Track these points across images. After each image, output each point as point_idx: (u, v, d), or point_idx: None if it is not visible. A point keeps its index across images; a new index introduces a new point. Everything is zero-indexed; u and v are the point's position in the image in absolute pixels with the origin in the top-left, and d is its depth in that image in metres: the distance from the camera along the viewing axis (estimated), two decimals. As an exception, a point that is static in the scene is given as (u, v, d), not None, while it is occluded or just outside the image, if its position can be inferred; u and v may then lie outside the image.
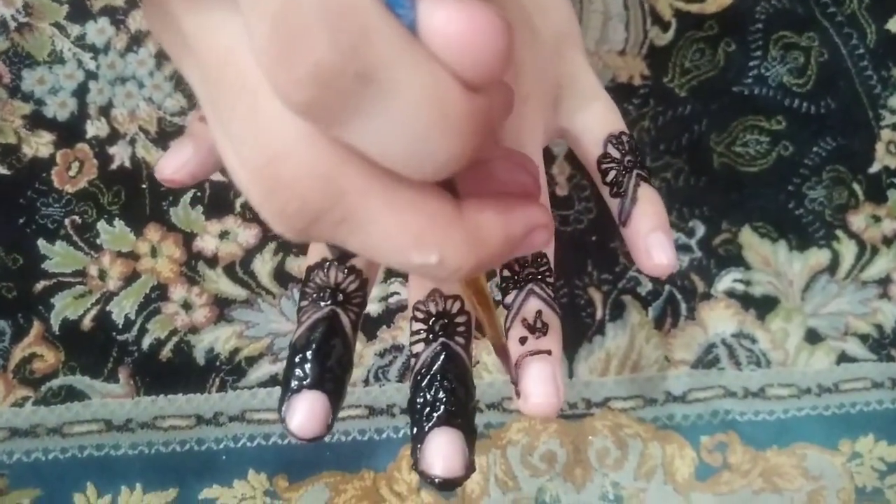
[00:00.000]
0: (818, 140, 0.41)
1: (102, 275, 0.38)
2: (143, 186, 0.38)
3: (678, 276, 0.40)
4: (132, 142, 0.38)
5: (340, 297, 0.22)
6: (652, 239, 0.24)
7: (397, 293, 0.39)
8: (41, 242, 0.38)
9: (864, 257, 0.41)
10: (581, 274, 0.40)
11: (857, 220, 0.41)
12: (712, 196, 0.41)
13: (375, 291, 0.39)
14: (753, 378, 0.40)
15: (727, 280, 0.40)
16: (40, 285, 0.38)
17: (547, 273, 0.24)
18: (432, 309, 0.21)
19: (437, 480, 0.19)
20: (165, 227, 0.38)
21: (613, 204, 0.26)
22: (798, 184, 0.41)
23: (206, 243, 0.38)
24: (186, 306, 0.38)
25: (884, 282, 0.41)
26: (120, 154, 0.38)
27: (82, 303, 0.38)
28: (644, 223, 0.25)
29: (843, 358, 0.40)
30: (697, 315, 0.40)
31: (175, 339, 0.38)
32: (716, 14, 0.41)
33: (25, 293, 0.38)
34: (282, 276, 0.38)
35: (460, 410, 0.20)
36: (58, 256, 0.38)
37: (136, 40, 0.39)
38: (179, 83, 0.39)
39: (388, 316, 0.38)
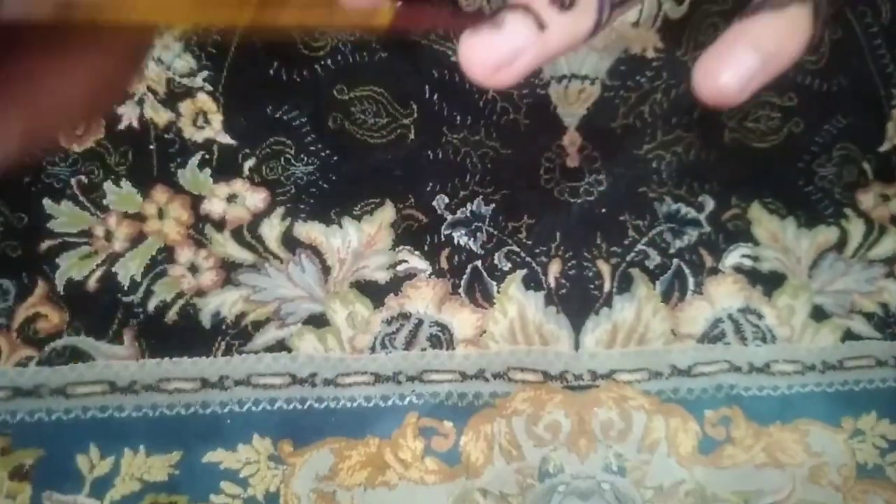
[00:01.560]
0: (829, 118, 0.41)
1: (108, 235, 0.38)
2: (151, 147, 0.38)
3: (686, 250, 0.40)
4: (140, 102, 0.38)
5: None
6: (736, 52, 0.22)
7: (405, 261, 0.38)
8: (47, 202, 0.37)
9: (872, 236, 0.41)
10: (590, 246, 0.40)
11: (866, 199, 0.41)
12: (722, 171, 0.40)
13: (383, 259, 0.38)
14: (759, 353, 0.40)
15: (735, 255, 0.40)
16: (45, 245, 0.37)
17: None
18: None
19: None
20: (173, 189, 0.38)
21: None
22: (808, 161, 0.41)
23: (214, 206, 0.38)
24: (193, 269, 0.38)
25: (891, 261, 0.41)
26: (128, 114, 0.38)
27: (87, 263, 0.37)
28: (745, 34, 0.22)
29: (849, 335, 0.41)
30: (705, 290, 0.40)
31: (181, 301, 0.37)
32: (731, -12, 0.41)
33: (30, 252, 0.37)
34: (290, 242, 0.38)
35: None
36: (63, 216, 0.37)
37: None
38: (189, 44, 0.38)
39: (396, 283, 0.38)
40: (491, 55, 0.19)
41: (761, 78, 0.20)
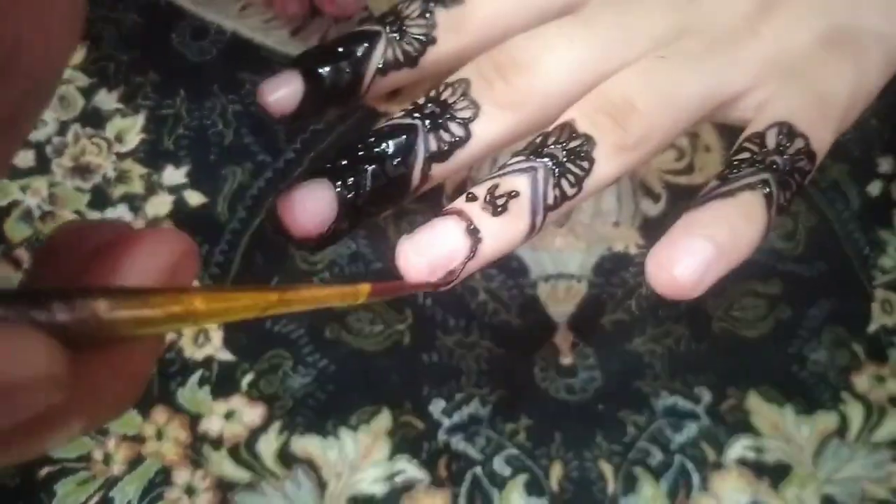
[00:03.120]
0: (814, 302, 0.42)
1: (107, 459, 0.38)
2: (153, 369, 0.39)
3: (687, 445, 0.40)
4: (144, 323, 0.39)
5: None
6: (687, 242, 0.20)
7: (403, 471, 0.38)
8: (48, 427, 0.38)
9: (873, 419, 0.41)
10: (590, 445, 0.39)
11: (861, 381, 0.41)
12: (715, 361, 0.41)
13: (380, 470, 0.38)
14: (774, 553, 0.38)
15: (738, 448, 0.40)
16: (44, 471, 0.37)
17: (580, 156, 0.21)
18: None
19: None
20: (172, 408, 0.38)
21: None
22: (799, 346, 0.42)
23: (212, 424, 0.38)
24: (190, 491, 0.37)
25: (895, 444, 0.41)
26: (131, 336, 0.39)
27: (85, 489, 0.37)
28: (695, 223, 0.20)
29: (864, 527, 0.39)
30: (710, 486, 0.39)
31: (177, 526, 0.37)
32: (704, 184, 0.43)
33: (29, 480, 0.37)
34: (286, 457, 0.38)
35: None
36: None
37: (153, 225, 0.41)
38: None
39: (394, 496, 0.38)
40: (423, 258, 0.20)
41: (718, 268, 0.21)
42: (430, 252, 0.20)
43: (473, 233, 0.20)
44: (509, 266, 0.41)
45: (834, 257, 0.43)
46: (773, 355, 0.41)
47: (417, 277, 0.20)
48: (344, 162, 0.21)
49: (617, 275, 0.42)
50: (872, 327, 0.42)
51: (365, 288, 0.19)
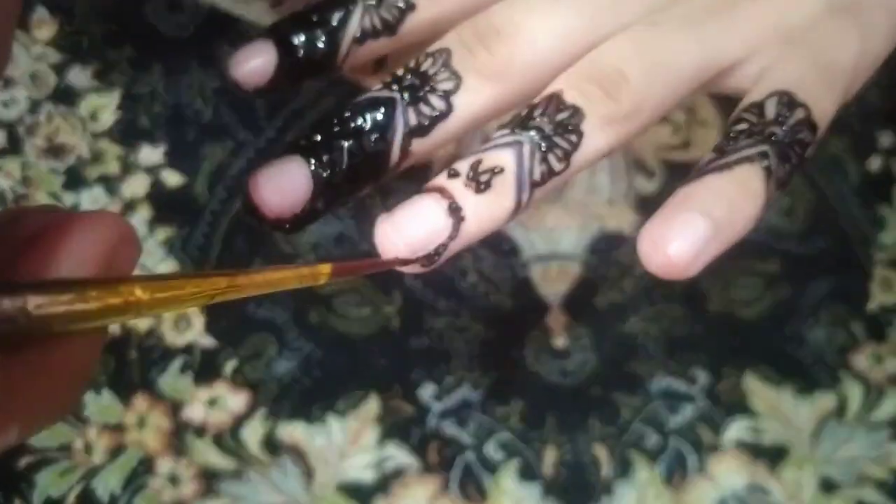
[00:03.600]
0: (812, 281, 0.41)
1: (88, 448, 0.37)
2: (133, 356, 0.37)
3: (683, 426, 0.39)
4: (123, 309, 0.38)
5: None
6: (682, 219, 0.19)
7: (392, 457, 0.37)
8: (25, 416, 0.37)
9: (871, 398, 0.40)
10: (584, 428, 0.38)
11: (860, 361, 0.41)
12: (712, 342, 0.40)
13: (368, 457, 0.37)
14: (770, 535, 0.38)
15: (734, 429, 0.39)
16: (24, 461, 0.36)
17: (569, 131, 0.19)
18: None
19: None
20: (154, 395, 0.37)
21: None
22: (796, 326, 0.41)
23: (195, 412, 0.37)
24: (173, 480, 0.36)
25: (894, 423, 0.40)
26: (110, 322, 0.38)
27: (66, 480, 0.36)
28: (691, 199, 0.19)
29: (862, 507, 0.39)
30: (707, 468, 0.38)
31: (161, 515, 0.36)
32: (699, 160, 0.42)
33: (9, 470, 0.36)
34: (272, 444, 0.37)
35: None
36: (43, 430, 0.37)
37: (130, 207, 0.39)
38: (171, 249, 0.39)
39: (384, 483, 0.37)
40: (403, 239, 0.19)
41: (715, 246, 0.19)
42: (409, 231, 0.19)
43: (456, 211, 0.19)
44: (500, 246, 0.40)
45: (833, 234, 0.42)
46: (771, 335, 0.40)
47: (396, 258, 0.19)
48: (318, 138, 0.19)
49: (611, 254, 0.41)
50: (871, 306, 0.41)
51: (325, 269, 0.17)
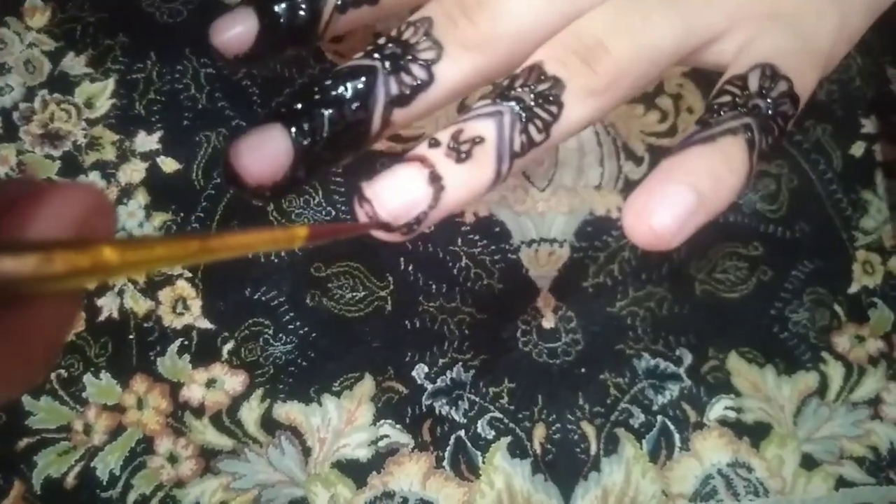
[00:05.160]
0: (796, 264, 0.42)
1: (87, 429, 0.37)
2: (131, 337, 0.38)
3: (669, 405, 0.40)
4: (120, 293, 0.38)
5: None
6: (666, 190, 0.19)
7: (387, 436, 0.38)
8: (26, 398, 0.37)
9: (852, 378, 0.41)
10: (573, 407, 0.39)
11: (842, 341, 0.42)
12: (696, 323, 0.41)
13: (364, 435, 0.38)
14: (753, 509, 0.39)
15: (718, 408, 0.40)
16: (23, 443, 0.37)
17: (550, 100, 0.19)
18: None
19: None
20: (152, 377, 0.38)
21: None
22: (780, 308, 0.42)
23: (193, 392, 0.38)
24: (172, 459, 0.37)
25: (874, 402, 0.41)
26: (108, 305, 0.38)
27: (66, 459, 0.37)
28: (674, 171, 0.19)
29: (842, 483, 0.40)
30: (692, 445, 0.40)
31: (161, 494, 0.37)
32: (687, 146, 0.43)
33: (8, 452, 0.37)
34: (269, 424, 0.38)
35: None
36: (42, 412, 0.37)
37: (127, 193, 0.40)
38: (168, 234, 0.39)
39: (379, 460, 0.38)
40: (383, 206, 0.19)
41: (699, 217, 0.20)
42: (389, 199, 0.19)
43: (436, 180, 0.19)
44: (491, 231, 0.41)
45: (816, 218, 0.43)
46: (755, 317, 0.41)
47: (376, 227, 0.19)
48: (299, 106, 0.20)
49: (599, 238, 0.41)
50: (853, 288, 0.43)
51: (301, 231, 0.17)
